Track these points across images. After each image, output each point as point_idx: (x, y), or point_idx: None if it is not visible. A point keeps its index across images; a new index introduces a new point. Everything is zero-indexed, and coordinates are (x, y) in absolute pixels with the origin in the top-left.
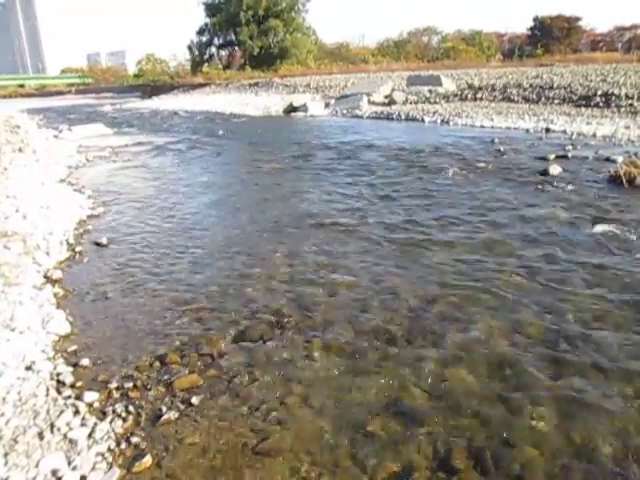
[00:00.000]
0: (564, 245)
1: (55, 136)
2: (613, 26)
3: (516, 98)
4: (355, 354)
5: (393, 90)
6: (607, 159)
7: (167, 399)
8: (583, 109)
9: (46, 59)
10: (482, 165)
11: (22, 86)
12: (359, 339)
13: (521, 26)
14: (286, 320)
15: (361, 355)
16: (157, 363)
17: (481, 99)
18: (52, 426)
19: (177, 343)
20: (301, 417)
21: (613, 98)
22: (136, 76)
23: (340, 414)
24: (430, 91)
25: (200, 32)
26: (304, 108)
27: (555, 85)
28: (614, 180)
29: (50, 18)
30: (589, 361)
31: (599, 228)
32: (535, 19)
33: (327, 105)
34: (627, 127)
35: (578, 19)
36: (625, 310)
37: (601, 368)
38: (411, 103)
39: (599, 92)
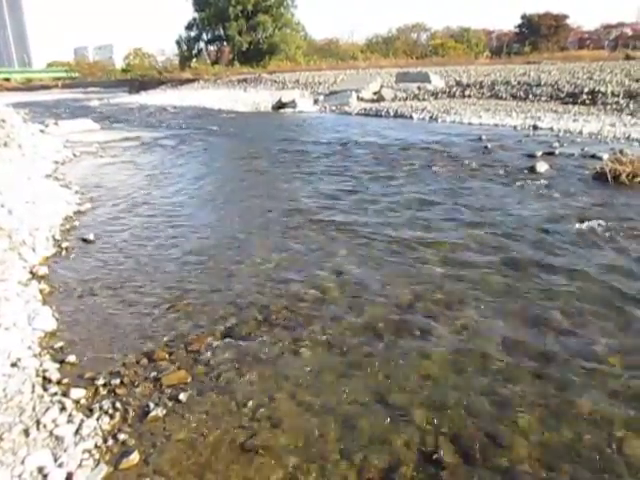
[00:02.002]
0: (550, 241)
1: (41, 131)
2: (600, 24)
3: (504, 95)
4: (343, 350)
5: (382, 87)
6: (593, 156)
7: (155, 396)
8: (570, 106)
9: (32, 52)
10: (470, 162)
11: (7, 80)
12: (346, 335)
13: (509, 23)
14: (274, 317)
15: (349, 351)
16: (144, 360)
17: (469, 96)
18: (38, 423)
19: (165, 339)
20: (289, 413)
21: (599, 96)
22: (124, 71)
23: (328, 410)
24: (419, 88)
25: (189, 27)
26: (293, 104)
27: (542, 82)
28: (600, 177)
29: (36, 11)
30: (575, 356)
31: (584, 224)
32: (523, 17)
33: (316, 101)
34: (613, 125)
35: (565, 17)
36: (609, 305)
37: (587, 363)
38: (400, 100)
39: (586, 90)
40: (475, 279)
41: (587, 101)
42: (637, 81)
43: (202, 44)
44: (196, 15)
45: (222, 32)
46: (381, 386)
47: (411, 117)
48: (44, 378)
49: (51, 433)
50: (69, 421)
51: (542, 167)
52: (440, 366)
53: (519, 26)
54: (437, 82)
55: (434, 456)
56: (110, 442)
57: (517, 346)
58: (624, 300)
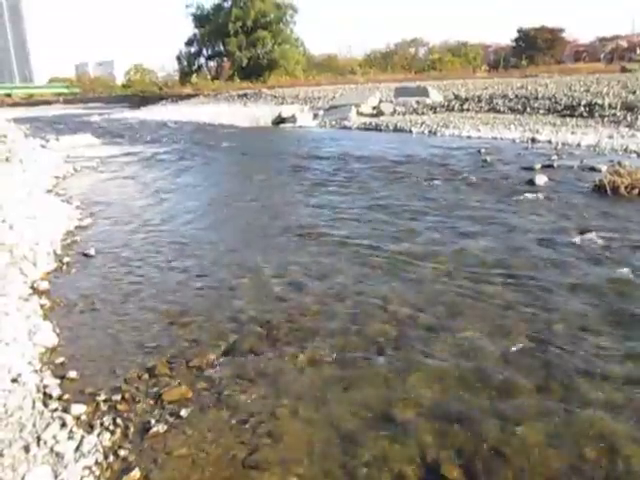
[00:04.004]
0: (549, 254)
1: (42, 146)
2: (595, 37)
3: (502, 109)
4: (344, 365)
5: (381, 101)
6: (592, 168)
7: (156, 412)
8: (568, 119)
9: (34, 68)
10: (469, 175)
11: (9, 95)
12: (348, 350)
13: (506, 37)
14: (275, 332)
15: (350, 366)
16: (146, 375)
17: (468, 110)
18: (38, 439)
19: (166, 355)
20: (290, 429)
21: (596, 108)
22: (124, 86)
23: (330, 426)
24: (417, 102)
25: (189, 43)
26: (293, 119)
27: (540, 96)
28: (599, 189)
29: (38, 27)
30: (576, 369)
31: (584, 237)
32: (520, 30)
33: (316, 116)
34: (610, 137)
35: (561, 30)
36: (609, 318)
37: (588, 376)
38: (399, 114)
39: (583, 102)
40: (475, 293)
41: (584, 113)
42: (634, 93)
43: (202, 60)
44: (196, 31)
45: (222, 48)
46: (383, 401)
47: (410, 131)
48: (45, 394)
49: (51, 449)
50: (70, 437)
51: (541, 180)
52: (442, 381)
53: (516, 40)
54: (435, 96)
55: (437, 472)
56: (111, 458)
57: (518, 360)
58: (625, 314)
